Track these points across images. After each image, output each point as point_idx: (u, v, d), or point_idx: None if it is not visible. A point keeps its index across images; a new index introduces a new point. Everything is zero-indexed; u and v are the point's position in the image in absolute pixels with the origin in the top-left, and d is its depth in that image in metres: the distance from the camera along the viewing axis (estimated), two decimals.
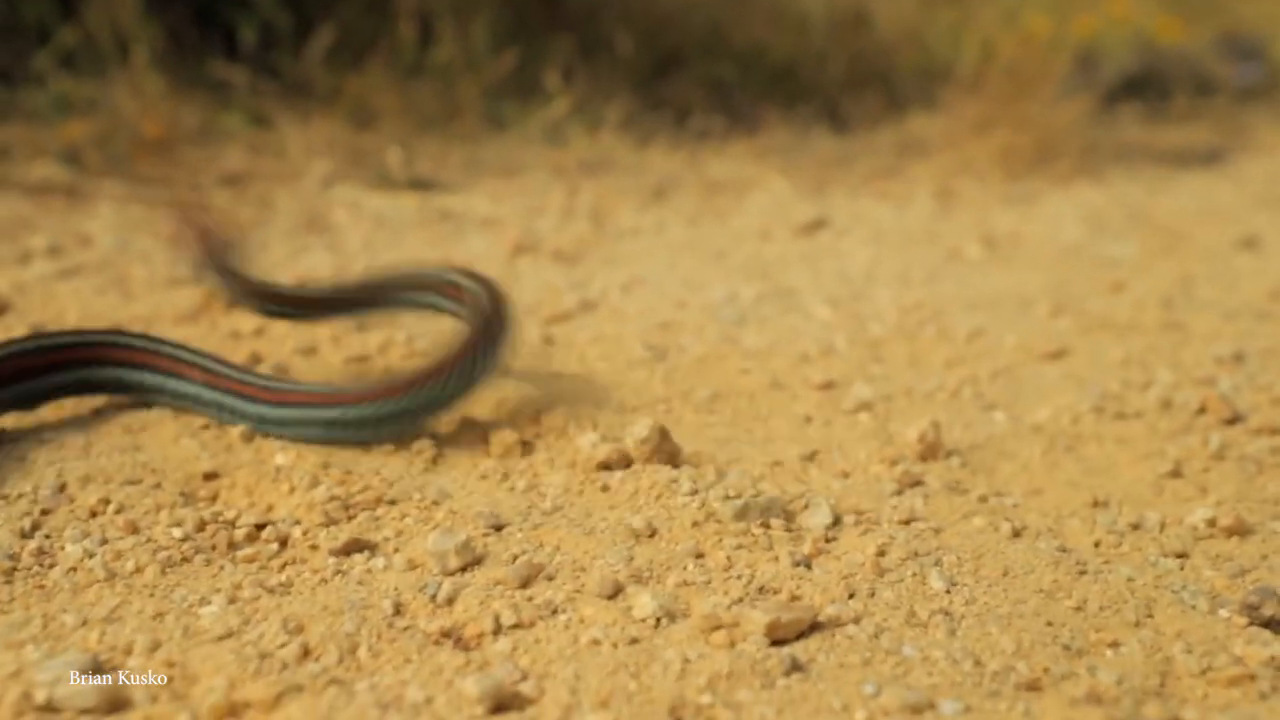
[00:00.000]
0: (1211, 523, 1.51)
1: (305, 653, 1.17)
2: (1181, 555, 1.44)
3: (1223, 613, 1.30)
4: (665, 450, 1.69)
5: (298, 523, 1.49)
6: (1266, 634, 1.25)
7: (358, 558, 1.41)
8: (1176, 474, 1.69)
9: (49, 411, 1.83)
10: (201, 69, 4.26)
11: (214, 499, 1.58)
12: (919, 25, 5.83)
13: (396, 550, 1.42)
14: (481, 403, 1.92)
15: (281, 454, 1.69)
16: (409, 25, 4.52)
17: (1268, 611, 1.27)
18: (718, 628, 1.22)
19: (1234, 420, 1.89)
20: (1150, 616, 1.29)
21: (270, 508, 1.54)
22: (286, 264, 2.81)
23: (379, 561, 1.40)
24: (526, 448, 1.79)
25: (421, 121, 4.41)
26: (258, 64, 4.33)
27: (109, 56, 4.11)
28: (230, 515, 1.49)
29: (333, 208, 3.40)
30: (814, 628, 1.24)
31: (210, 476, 1.62)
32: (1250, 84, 6.14)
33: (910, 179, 3.99)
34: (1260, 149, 4.78)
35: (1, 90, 4.00)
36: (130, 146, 3.79)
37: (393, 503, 1.55)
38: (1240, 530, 1.51)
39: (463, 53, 4.60)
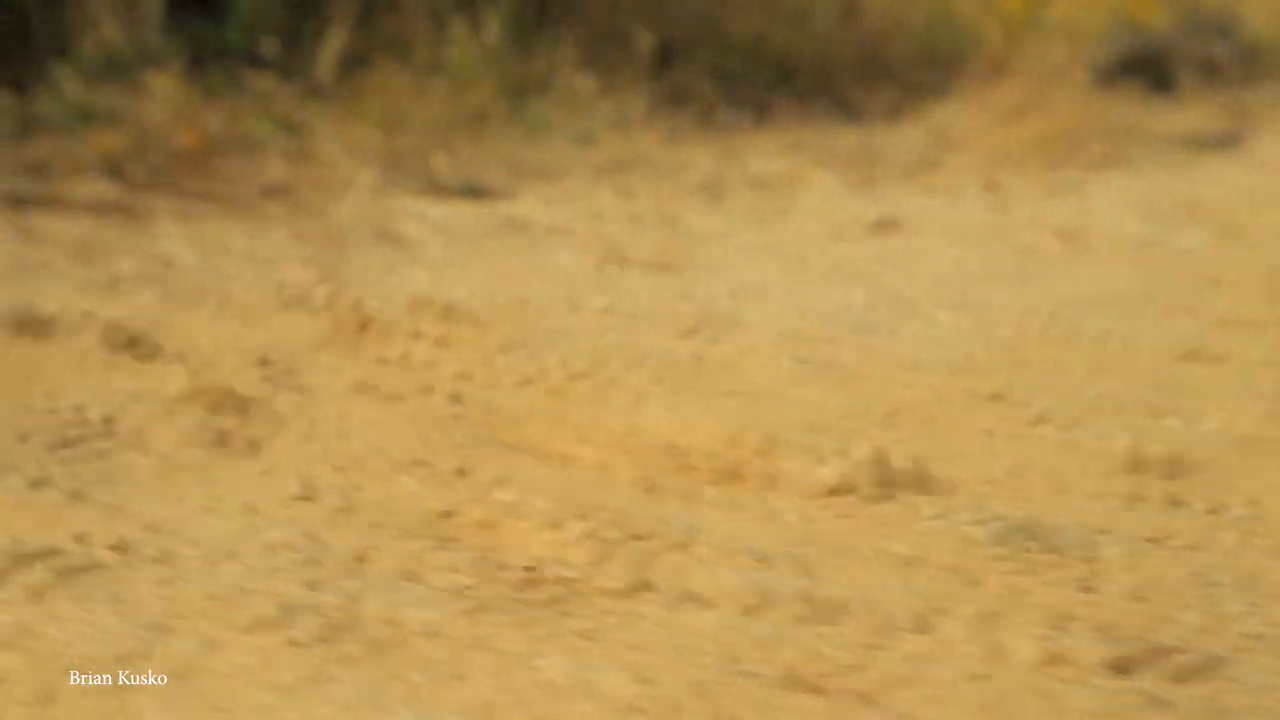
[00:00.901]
0: None
1: (676, 708, 1.17)
2: None
3: None
4: (886, 473, 1.71)
5: (565, 563, 1.49)
6: None
7: (646, 597, 1.41)
8: None
9: (242, 444, 1.82)
10: (223, 76, 4.21)
11: (458, 539, 1.57)
12: (911, 14, 5.87)
13: (681, 589, 1.43)
14: (667, 424, 1.93)
15: (499, 489, 1.69)
16: (423, 25, 4.49)
17: None
18: (1058, 661, 1.24)
19: None
20: None
21: (525, 547, 1.54)
22: (381, 282, 2.77)
23: (661, 597, 1.40)
24: (735, 473, 1.80)
25: (448, 124, 4.38)
26: (279, 69, 4.28)
27: (131, 65, 4.04)
28: (495, 558, 1.49)
29: (395, 218, 3.37)
30: (1152, 655, 1.26)
31: (444, 515, 1.62)
32: (1222, 62, 6.25)
33: (950, 171, 4.03)
34: (1270, 130, 4.88)
35: (20, 101, 3.92)
36: (166, 158, 3.73)
37: (642, 538, 1.56)
38: None
39: (479, 51, 4.58)
